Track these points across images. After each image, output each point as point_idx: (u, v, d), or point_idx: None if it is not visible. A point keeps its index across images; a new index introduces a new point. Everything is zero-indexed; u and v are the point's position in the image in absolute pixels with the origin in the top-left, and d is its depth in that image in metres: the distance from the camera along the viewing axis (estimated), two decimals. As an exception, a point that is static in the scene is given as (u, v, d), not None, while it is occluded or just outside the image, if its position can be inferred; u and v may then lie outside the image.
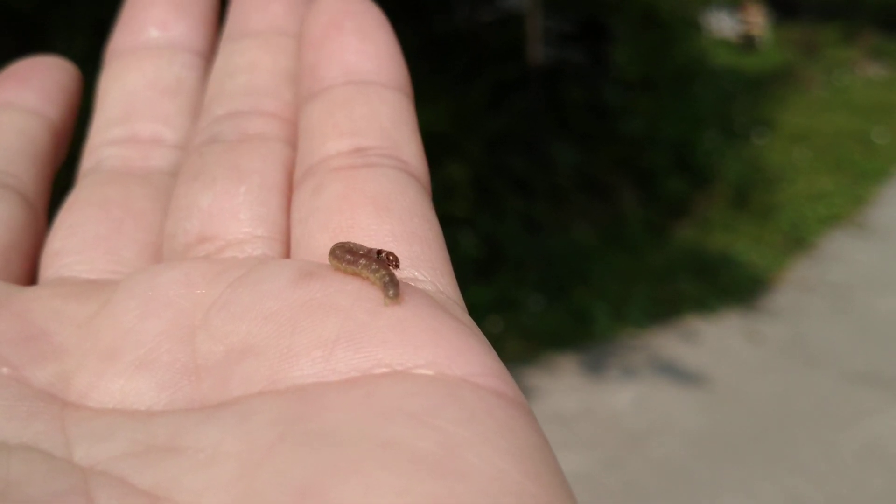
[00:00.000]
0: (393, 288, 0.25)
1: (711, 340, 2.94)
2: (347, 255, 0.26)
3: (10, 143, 0.33)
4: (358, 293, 0.25)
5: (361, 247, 0.27)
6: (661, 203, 3.98)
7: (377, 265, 0.25)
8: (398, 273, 0.27)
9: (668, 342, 2.91)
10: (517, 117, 3.83)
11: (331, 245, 0.27)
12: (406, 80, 0.34)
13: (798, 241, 3.80)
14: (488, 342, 0.25)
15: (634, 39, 4.72)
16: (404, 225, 0.28)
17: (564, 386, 2.59)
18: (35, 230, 0.33)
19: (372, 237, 0.28)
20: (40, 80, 0.35)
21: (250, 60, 0.35)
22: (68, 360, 0.25)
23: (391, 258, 0.26)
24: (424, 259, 0.28)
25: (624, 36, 4.62)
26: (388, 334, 0.23)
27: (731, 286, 3.31)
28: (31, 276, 0.32)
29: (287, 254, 0.30)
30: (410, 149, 0.32)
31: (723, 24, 7.04)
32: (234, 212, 0.30)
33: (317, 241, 0.28)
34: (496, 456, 0.20)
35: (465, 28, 4.08)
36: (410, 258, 0.27)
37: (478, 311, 2.56)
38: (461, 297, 0.28)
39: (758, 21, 7.17)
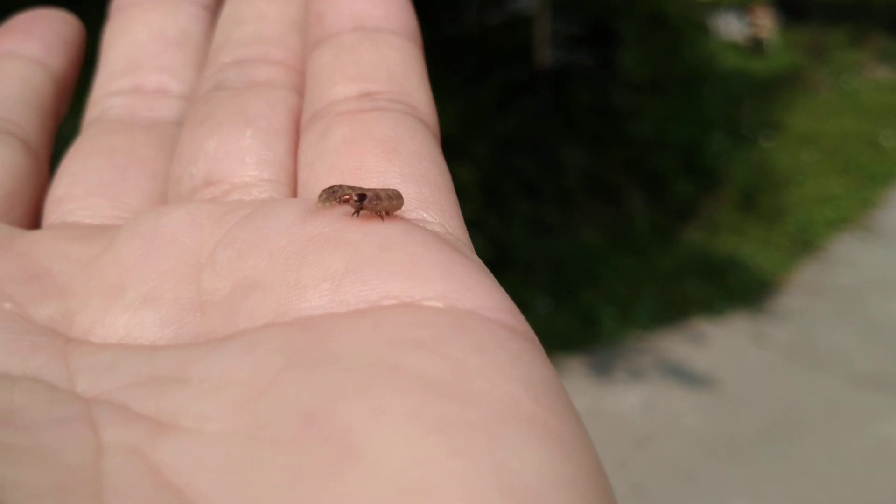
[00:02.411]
0: (326, 193, 0.25)
1: (718, 343, 2.93)
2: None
3: (13, 91, 0.33)
4: (367, 228, 0.24)
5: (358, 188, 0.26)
6: (668, 206, 3.97)
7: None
8: (407, 214, 0.26)
9: (676, 344, 2.90)
10: (525, 119, 3.83)
11: None
12: (415, 28, 0.33)
13: (805, 244, 3.79)
14: (496, 280, 0.24)
15: (642, 42, 4.71)
16: (413, 168, 0.28)
17: (572, 387, 2.59)
18: (38, 178, 0.32)
19: (380, 179, 0.27)
20: (43, 31, 0.35)
21: (257, 10, 0.35)
22: (71, 298, 0.25)
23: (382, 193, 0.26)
24: (433, 201, 0.27)
25: (632, 38, 4.62)
26: (397, 268, 0.23)
27: (738, 289, 3.30)
28: (34, 224, 0.32)
29: (294, 197, 0.30)
30: (419, 95, 0.31)
31: (731, 27, 7.02)
32: (240, 155, 0.30)
33: (323, 184, 0.28)
34: (507, 383, 0.20)
35: (474, 30, 4.08)
36: (419, 200, 0.27)
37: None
38: (469, 239, 0.28)
39: (766, 24, 7.15)
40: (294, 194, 0.30)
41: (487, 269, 0.25)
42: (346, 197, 0.25)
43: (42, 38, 0.35)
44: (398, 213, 0.26)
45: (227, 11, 0.36)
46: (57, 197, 0.31)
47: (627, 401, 2.55)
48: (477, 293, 0.23)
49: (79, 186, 0.31)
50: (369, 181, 0.27)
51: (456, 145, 3.17)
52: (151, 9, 0.36)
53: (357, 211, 0.25)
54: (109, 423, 0.20)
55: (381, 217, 0.25)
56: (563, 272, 3.30)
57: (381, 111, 0.30)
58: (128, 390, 0.21)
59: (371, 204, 0.25)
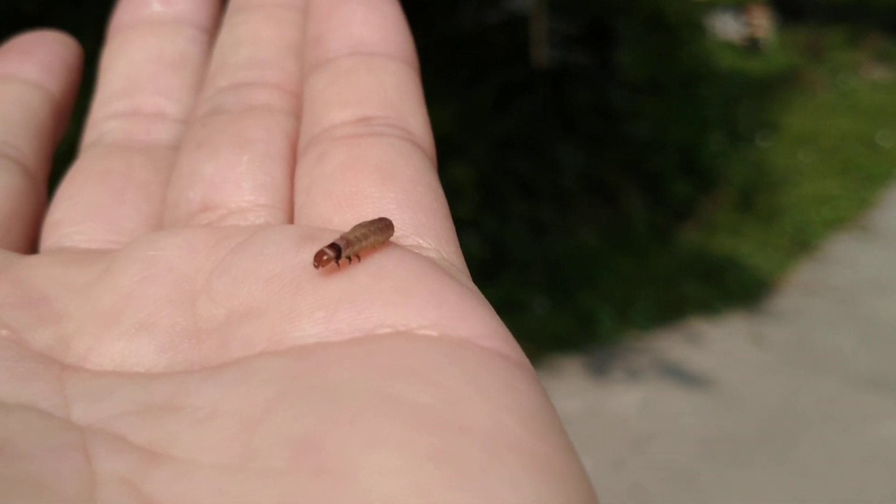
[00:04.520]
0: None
1: (716, 343, 2.94)
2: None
3: (11, 114, 0.33)
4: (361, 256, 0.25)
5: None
6: (666, 206, 3.97)
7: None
8: (402, 241, 0.26)
9: (673, 345, 2.91)
10: (522, 119, 3.83)
11: (333, 213, 0.27)
12: (412, 51, 0.34)
13: (803, 245, 3.79)
14: (492, 307, 0.25)
15: (640, 42, 4.71)
16: (408, 193, 0.28)
17: (569, 388, 2.59)
18: (36, 201, 0.32)
19: (375, 205, 0.28)
20: (42, 53, 0.35)
21: (254, 33, 0.35)
22: (68, 323, 0.25)
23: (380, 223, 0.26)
24: (429, 227, 0.27)
25: (629, 38, 4.62)
26: (391, 296, 0.23)
27: (735, 289, 3.30)
28: (31, 247, 0.32)
29: (290, 222, 0.30)
30: (416, 120, 0.31)
31: (727, 27, 7.02)
32: (236, 181, 0.30)
33: (319, 209, 0.28)
34: (499, 412, 0.20)
35: (471, 30, 4.08)
36: (415, 226, 0.27)
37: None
38: (465, 265, 0.28)
39: (762, 24, 7.15)
40: (290, 219, 0.30)
41: (482, 296, 0.25)
42: (325, 257, 0.24)
43: (41, 60, 0.35)
44: (392, 239, 0.26)
45: (224, 34, 0.36)
46: (55, 220, 0.31)
47: (625, 401, 2.55)
48: (471, 322, 0.23)
49: (76, 210, 0.31)
50: (365, 206, 0.28)
51: (453, 145, 3.17)
52: (149, 31, 0.37)
53: (338, 259, 0.25)
54: (104, 452, 0.20)
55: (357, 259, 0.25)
56: (561, 272, 3.30)
57: (377, 136, 0.30)
58: (122, 418, 0.21)
59: (348, 250, 0.25)
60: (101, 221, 0.31)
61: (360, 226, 0.26)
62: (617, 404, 2.54)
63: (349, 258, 0.25)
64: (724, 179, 4.29)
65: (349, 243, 0.25)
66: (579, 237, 3.60)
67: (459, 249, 0.28)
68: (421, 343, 0.22)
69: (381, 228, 0.26)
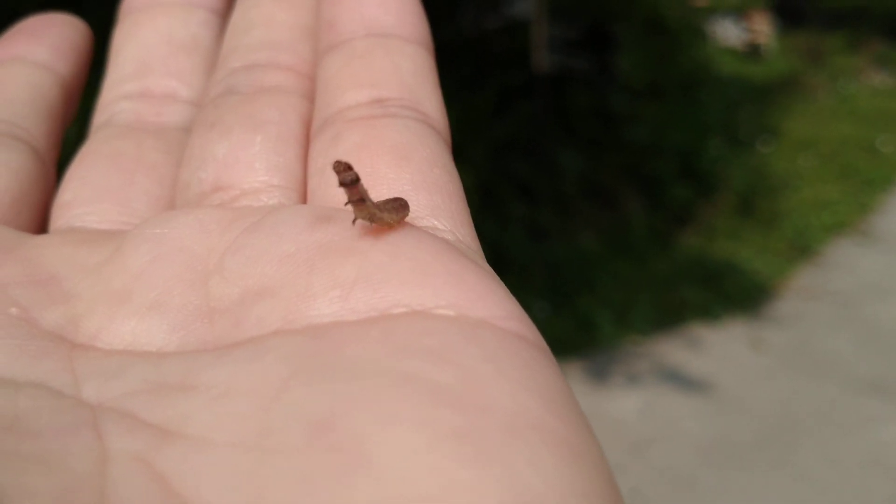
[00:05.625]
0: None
1: (716, 348, 2.93)
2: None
3: (21, 96, 0.33)
4: (377, 236, 0.24)
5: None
6: (666, 210, 3.97)
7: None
8: (418, 222, 0.26)
9: (673, 349, 2.90)
10: (522, 124, 3.83)
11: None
12: (427, 35, 0.33)
13: (803, 249, 3.79)
14: (508, 289, 0.24)
15: (640, 47, 4.72)
16: (424, 175, 0.28)
17: (568, 392, 2.58)
18: (45, 183, 0.32)
19: (391, 186, 0.27)
20: (51, 35, 0.35)
21: (267, 15, 0.35)
22: (78, 303, 0.25)
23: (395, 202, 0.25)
24: (444, 209, 0.27)
25: (629, 43, 4.62)
26: (407, 276, 0.23)
27: (735, 294, 3.30)
28: (41, 229, 0.31)
29: (303, 204, 0.29)
30: (431, 102, 0.31)
31: (728, 33, 7.02)
32: (249, 161, 0.30)
33: (333, 190, 0.28)
34: (518, 391, 0.20)
35: (471, 35, 4.09)
36: (430, 208, 0.27)
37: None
38: (480, 248, 0.27)
39: (763, 29, 7.16)
40: (303, 200, 0.30)
41: (498, 278, 0.25)
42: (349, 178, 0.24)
43: (50, 42, 0.35)
44: (407, 220, 0.26)
45: (236, 16, 0.36)
46: (64, 201, 0.31)
47: (625, 405, 2.55)
48: (488, 302, 0.23)
49: (86, 191, 0.31)
50: (380, 187, 0.27)
51: (453, 149, 3.16)
52: (161, 13, 0.36)
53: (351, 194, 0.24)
54: (115, 430, 0.19)
55: (388, 227, 0.25)
56: (561, 277, 3.30)
57: (392, 118, 0.30)
58: (134, 397, 0.21)
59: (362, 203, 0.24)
60: (111, 202, 0.31)
61: (387, 200, 0.25)
62: (616, 409, 2.53)
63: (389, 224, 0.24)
64: (724, 184, 4.29)
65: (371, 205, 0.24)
66: (579, 241, 3.60)
67: (474, 232, 0.28)
68: (439, 323, 0.21)
69: (397, 208, 0.25)
